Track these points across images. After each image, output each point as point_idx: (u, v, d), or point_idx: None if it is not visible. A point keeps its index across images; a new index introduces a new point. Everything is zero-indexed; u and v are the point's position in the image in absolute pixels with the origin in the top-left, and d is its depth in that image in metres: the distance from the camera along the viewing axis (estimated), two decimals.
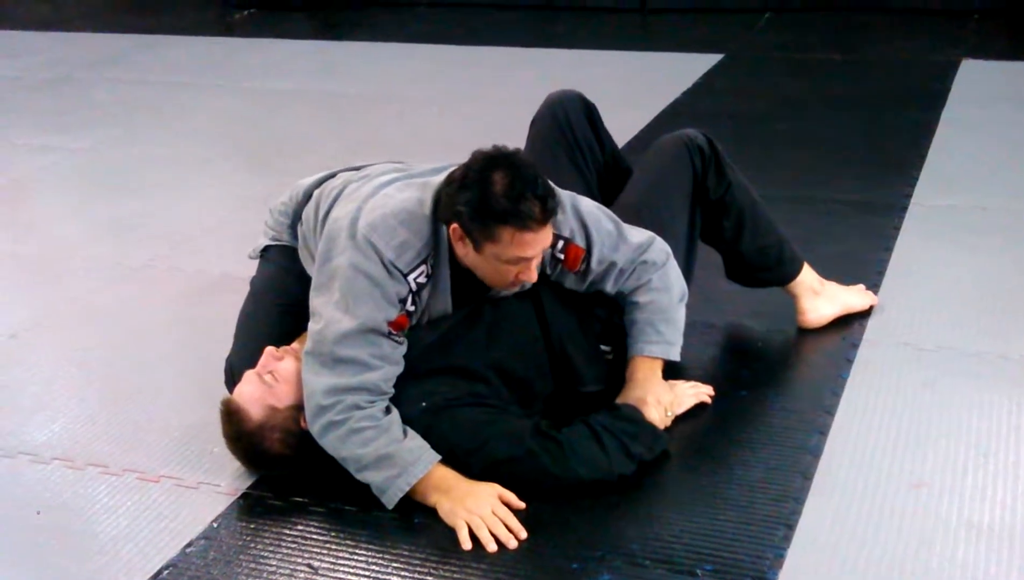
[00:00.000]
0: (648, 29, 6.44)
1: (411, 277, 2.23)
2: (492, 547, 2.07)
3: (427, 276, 2.26)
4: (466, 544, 2.08)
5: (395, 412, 2.21)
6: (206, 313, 3.11)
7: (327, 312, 2.22)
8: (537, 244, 2.18)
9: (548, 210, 2.15)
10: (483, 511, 2.12)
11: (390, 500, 2.15)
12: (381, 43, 6.31)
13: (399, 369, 2.24)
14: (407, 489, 2.14)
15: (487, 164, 2.17)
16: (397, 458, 2.14)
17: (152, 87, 5.72)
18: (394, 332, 2.23)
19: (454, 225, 2.19)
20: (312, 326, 2.25)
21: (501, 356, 2.33)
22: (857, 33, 5.88)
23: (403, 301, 2.23)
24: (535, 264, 2.24)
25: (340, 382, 2.18)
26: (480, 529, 2.09)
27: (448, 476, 2.17)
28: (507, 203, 2.11)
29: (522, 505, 2.15)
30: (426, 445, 2.17)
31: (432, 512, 2.16)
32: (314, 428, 2.20)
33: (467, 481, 2.17)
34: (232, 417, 2.26)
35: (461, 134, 4.60)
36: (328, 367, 2.19)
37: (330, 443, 2.19)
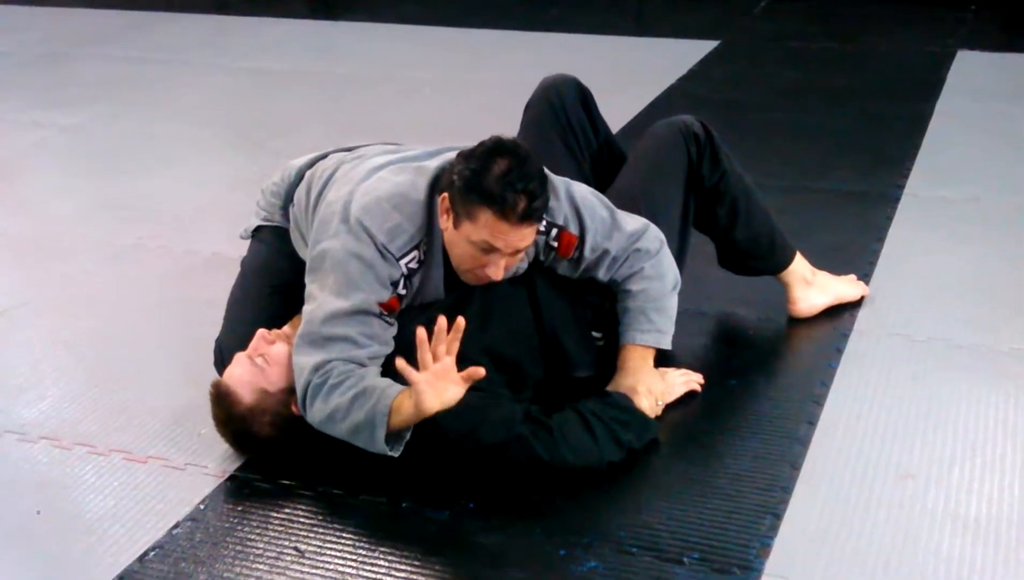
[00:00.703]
0: (643, 14, 6.41)
1: (403, 262, 2.23)
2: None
3: (419, 261, 2.25)
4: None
5: (375, 367, 2.20)
6: (196, 293, 3.09)
7: (320, 295, 2.22)
8: (510, 238, 2.17)
9: (532, 209, 2.15)
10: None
11: (380, 435, 2.09)
12: (376, 24, 6.28)
13: (388, 349, 2.23)
14: (387, 410, 2.08)
15: (496, 148, 2.18)
16: (372, 389, 2.12)
17: (145, 65, 5.69)
18: (385, 313, 2.22)
19: (444, 195, 2.20)
20: (305, 308, 2.25)
21: (493, 340, 2.32)
22: (853, 22, 5.86)
23: (395, 284, 2.23)
24: (503, 263, 2.23)
25: (328, 357, 2.16)
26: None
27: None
28: (496, 186, 2.12)
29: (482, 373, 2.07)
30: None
31: (420, 497, 2.16)
32: (303, 403, 2.18)
33: (434, 377, 2.06)
34: (222, 399, 2.25)
35: (455, 116, 4.60)
36: (317, 346, 2.18)
37: (318, 409, 2.15)
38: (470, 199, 2.14)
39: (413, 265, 2.25)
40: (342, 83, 5.22)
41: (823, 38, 5.59)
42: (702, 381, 2.50)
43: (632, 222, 2.40)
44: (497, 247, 2.18)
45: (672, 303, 2.45)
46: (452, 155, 2.30)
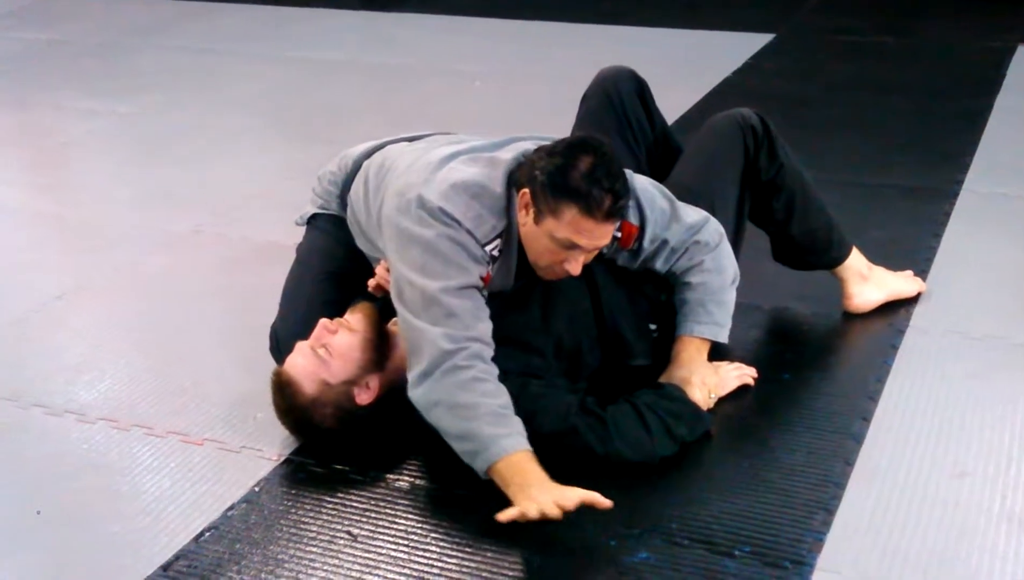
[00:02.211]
0: (698, 8, 6.36)
1: (487, 248, 2.21)
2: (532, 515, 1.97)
3: (499, 250, 2.24)
4: (503, 518, 1.98)
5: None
6: (250, 280, 3.13)
7: (419, 281, 2.16)
8: (593, 236, 2.16)
9: (616, 208, 2.14)
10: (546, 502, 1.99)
11: (492, 456, 2.04)
12: (429, 15, 6.29)
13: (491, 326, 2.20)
14: (511, 452, 2.03)
15: (580, 144, 2.17)
16: (512, 422, 2.09)
17: (200, 55, 5.75)
18: (483, 287, 2.21)
19: (525, 190, 2.18)
20: (406, 295, 2.18)
21: (555, 328, 2.32)
22: (910, 17, 5.79)
23: (487, 262, 2.22)
24: (582, 259, 2.22)
25: (458, 331, 2.11)
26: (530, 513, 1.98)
27: (537, 471, 2.05)
28: (583, 183, 2.10)
29: (608, 504, 2.00)
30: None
31: (473, 485, 2.16)
32: (426, 370, 2.11)
33: (553, 484, 2.03)
34: (285, 390, 2.25)
35: (508, 108, 4.60)
36: (439, 322, 2.12)
37: (444, 388, 2.09)
38: (555, 195, 2.13)
39: (495, 253, 2.23)
40: (395, 74, 5.24)
41: (879, 32, 5.53)
42: (756, 375, 2.49)
43: (693, 214, 2.40)
44: (579, 244, 2.17)
45: (731, 297, 2.45)
46: (522, 146, 2.30)
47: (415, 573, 1.99)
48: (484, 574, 1.98)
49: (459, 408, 2.09)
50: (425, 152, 2.38)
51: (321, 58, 5.57)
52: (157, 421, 2.49)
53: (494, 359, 2.17)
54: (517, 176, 2.23)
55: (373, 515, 2.13)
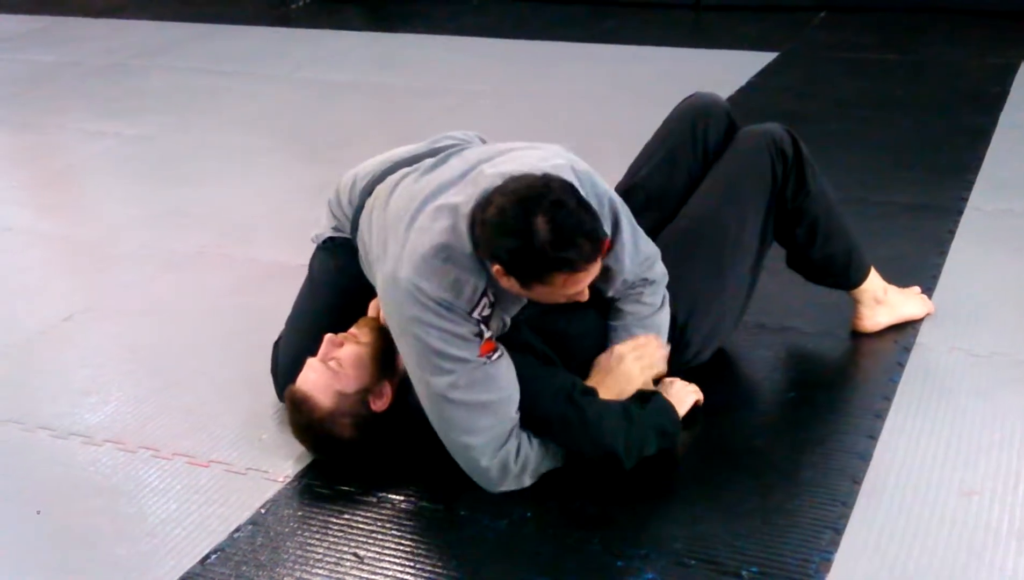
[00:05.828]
0: (700, 26, 6.40)
1: (475, 313, 2.09)
2: None
3: (491, 305, 2.12)
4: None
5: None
6: (256, 301, 3.13)
7: (425, 377, 2.11)
8: (589, 277, 2.08)
9: (597, 246, 2.02)
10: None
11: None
12: (434, 36, 6.33)
13: (517, 387, 2.17)
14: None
15: (526, 208, 1.96)
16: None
17: (207, 76, 5.77)
18: (493, 355, 2.13)
19: (497, 266, 2.03)
20: (420, 395, 2.17)
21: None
22: (913, 34, 5.81)
23: (479, 335, 2.11)
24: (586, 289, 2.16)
25: (490, 439, 2.13)
26: None
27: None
28: (555, 252, 1.95)
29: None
30: None
31: (478, 505, 2.17)
32: (497, 477, 2.18)
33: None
34: (301, 406, 2.23)
35: (513, 127, 4.60)
36: (463, 426, 2.12)
37: (509, 477, 2.19)
38: (535, 272, 2.00)
39: (485, 312, 2.12)
40: (400, 94, 5.26)
41: (883, 49, 5.54)
42: (700, 397, 2.44)
43: (647, 245, 2.34)
44: (577, 291, 2.08)
45: (661, 318, 2.40)
46: (478, 181, 2.13)
47: None
48: None
49: (539, 467, 2.22)
50: (408, 197, 2.25)
51: (328, 79, 5.60)
52: (163, 443, 2.49)
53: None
54: (478, 236, 2.04)
55: (379, 536, 2.13)
